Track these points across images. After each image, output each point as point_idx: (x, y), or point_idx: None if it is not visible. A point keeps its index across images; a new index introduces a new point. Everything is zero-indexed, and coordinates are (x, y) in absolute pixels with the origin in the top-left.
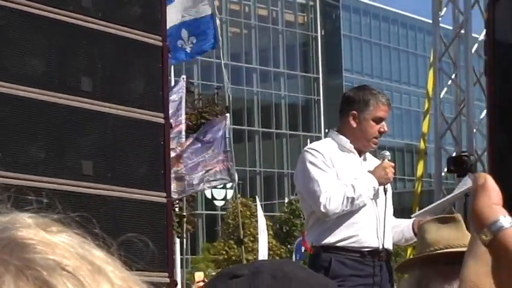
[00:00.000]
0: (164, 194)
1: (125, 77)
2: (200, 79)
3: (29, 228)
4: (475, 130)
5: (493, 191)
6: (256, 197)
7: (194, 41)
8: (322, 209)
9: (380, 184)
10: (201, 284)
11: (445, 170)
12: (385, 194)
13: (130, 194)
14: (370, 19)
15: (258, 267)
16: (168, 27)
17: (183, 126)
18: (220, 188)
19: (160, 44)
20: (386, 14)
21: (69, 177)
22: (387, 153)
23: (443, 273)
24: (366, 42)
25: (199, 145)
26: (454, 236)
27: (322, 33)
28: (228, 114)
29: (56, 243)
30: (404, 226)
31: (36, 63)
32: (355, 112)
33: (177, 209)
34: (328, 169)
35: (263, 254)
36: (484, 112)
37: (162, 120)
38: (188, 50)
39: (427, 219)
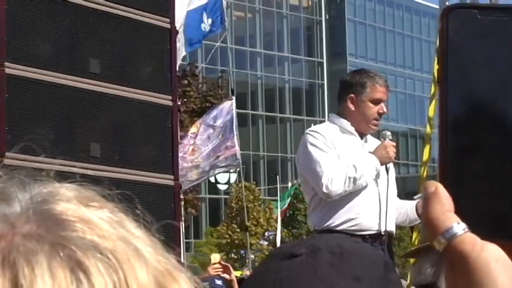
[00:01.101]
0: (172, 177)
1: (133, 59)
2: (204, 63)
3: (70, 202)
4: None
5: (445, 198)
6: (277, 178)
7: (210, 23)
8: (325, 190)
9: (382, 164)
10: (218, 265)
11: None
12: (387, 173)
13: (138, 176)
14: (374, 3)
15: (313, 244)
16: (189, 9)
17: None
18: (224, 172)
19: (169, 26)
20: None
21: (77, 159)
22: (388, 133)
23: None
24: (371, 26)
25: (212, 131)
26: None
27: (327, 17)
28: (233, 97)
29: (96, 221)
30: (408, 207)
31: (45, 45)
32: (352, 95)
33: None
34: (330, 150)
35: (278, 235)
36: None
37: (170, 103)
38: (207, 30)
39: None
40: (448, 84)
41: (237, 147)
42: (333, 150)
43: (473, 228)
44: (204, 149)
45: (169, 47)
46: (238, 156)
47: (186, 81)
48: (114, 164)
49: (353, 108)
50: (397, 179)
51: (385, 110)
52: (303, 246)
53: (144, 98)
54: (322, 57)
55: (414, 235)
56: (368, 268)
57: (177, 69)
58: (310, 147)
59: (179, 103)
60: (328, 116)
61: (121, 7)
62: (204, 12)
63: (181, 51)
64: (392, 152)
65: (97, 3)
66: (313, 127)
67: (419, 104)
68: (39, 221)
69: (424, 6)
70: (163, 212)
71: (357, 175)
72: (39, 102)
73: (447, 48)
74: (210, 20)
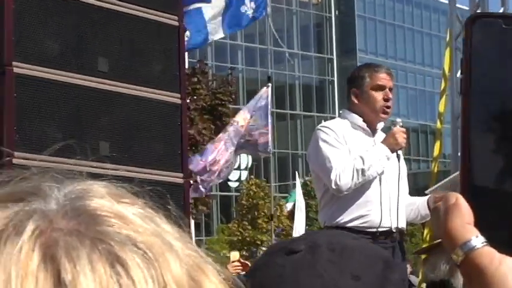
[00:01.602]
0: (181, 175)
1: (142, 57)
2: (214, 60)
3: (103, 198)
4: None
5: (465, 210)
6: (297, 174)
7: (254, 6)
8: (334, 186)
9: (392, 151)
10: (237, 263)
11: None
12: (398, 160)
13: (148, 174)
14: None
15: (313, 240)
16: None
17: None
18: (235, 169)
19: (177, 24)
20: None
21: (86, 158)
22: (398, 119)
23: None
24: (380, 22)
25: (252, 118)
26: None
27: (336, 13)
28: (270, 84)
29: (129, 217)
30: (420, 203)
31: (53, 44)
32: (355, 89)
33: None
34: (341, 146)
35: (299, 231)
36: None
37: (178, 101)
38: (250, 14)
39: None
40: (471, 94)
41: (270, 136)
42: (344, 145)
43: (492, 241)
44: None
45: (178, 45)
46: (270, 145)
47: (195, 79)
48: (123, 163)
49: (357, 101)
50: (408, 174)
51: (390, 95)
52: (303, 243)
53: (153, 96)
54: (332, 54)
55: (426, 231)
56: (367, 266)
57: (186, 66)
58: (321, 143)
59: (188, 101)
60: (338, 112)
61: (129, 5)
62: None
63: (220, 32)
64: (401, 138)
65: (105, 2)
66: (324, 123)
67: (430, 100)
68: (76, 217)
69: (434, 1)
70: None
71: (365, 166)
72: (47, 102)
73: (471, 57)
74: (252, 4)
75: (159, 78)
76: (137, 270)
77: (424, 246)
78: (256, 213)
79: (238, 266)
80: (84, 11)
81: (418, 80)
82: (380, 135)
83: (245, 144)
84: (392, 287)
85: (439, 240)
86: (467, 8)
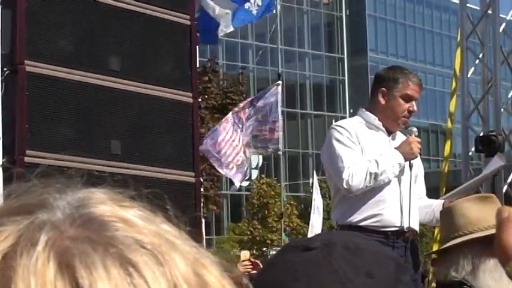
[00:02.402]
0: (193, 174)
1: (153, 56)
2: (225, 59)
3: (105, 204)
4: (502, 110)
5: None
6: (315, 175)
7: (260, 3)
8: (345, 185)
9: (405, 160)
10: (247, 262)
11: (473, 149)
12: (410, 169)
13: (159, 173)
14: None
15: (329, 239)
16: None
17: None
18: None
19: (189, 23)
20: None
21: (97, 156)
22: (414, 129)
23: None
24: (391, 22)
25: (253, 111)
26: None
27: (347, 13)
28: (280, 82)
29: (132, 219)
30: (435, 206)
31: (65, 43)
32: (384, 89)
33: (202, 190)
34: (354, 145)
35: (315, 232)
36: None
37: (190, 100)
38: (254, 12)
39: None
40: None
41: (281, 133)
42: (357, 145)
43: None
44: (242, 126)
45: (190, 44)
46: (281, 142)
47: (206, 78)
48: (134, 161)
49: (383, 102)
50: None
51: (415, 108)
52: (318, 240)
53: (165, 95)
54: (342, 53)
55: (436, 231)
56: (381, 266)
57: (197, 65)
58: (334, 142)
59: (199, 99)
60: (349, 111)
61: (141, 4)
62: None
63: (229, 27)
64: (416, 148)
65: (117, 1)
66: (339, 122)
67: (441, 99)
68: (83, 224)
69: (445, 1)
70: (185, 209)
71: (379, 171)
72: (59, 100)
73: None
74: (259, 0)
75: (171, 77)
76: (148, 270)
77: (434, 246)
78: (266, 212)
79: (249, 265)
80: (96, 10)
81: (428, 79)
82: (399, 137)
83: (254, 141)
84: (404, 287)
85: (457, 241)
86: (478, 8)
